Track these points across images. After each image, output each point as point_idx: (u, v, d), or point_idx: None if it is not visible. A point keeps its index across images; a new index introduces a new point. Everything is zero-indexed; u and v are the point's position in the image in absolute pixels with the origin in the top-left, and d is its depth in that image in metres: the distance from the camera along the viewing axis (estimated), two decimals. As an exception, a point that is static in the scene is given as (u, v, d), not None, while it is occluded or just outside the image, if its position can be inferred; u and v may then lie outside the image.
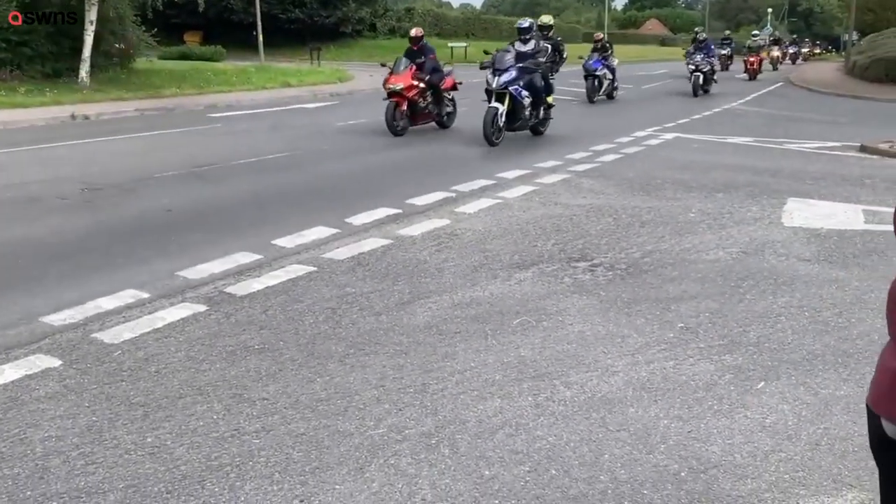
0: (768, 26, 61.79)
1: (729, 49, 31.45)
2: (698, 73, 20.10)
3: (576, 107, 17.49)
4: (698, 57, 20.22)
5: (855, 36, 38.18)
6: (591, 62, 18.46)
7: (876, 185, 8.45)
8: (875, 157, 10.65)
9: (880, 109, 18.58)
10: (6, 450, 2.96)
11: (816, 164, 9.86)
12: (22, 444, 3.00)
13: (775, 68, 36.03)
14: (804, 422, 3.22)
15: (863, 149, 11.08)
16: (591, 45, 19.87)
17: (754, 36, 31.11)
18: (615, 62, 19.39)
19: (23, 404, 3.32)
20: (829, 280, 5.10)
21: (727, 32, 36.96)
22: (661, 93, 21.92)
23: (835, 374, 3.68)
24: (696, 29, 26.12)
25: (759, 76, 28.70)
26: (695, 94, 19.98)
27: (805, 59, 52.75)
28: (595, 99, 18.33)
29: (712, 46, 21.81)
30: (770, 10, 74.05)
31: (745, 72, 28.66)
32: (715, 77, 21.36)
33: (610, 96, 19.16)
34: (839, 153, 11.02)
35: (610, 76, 18.91)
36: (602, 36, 20.31)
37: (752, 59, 28.91)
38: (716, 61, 22.19)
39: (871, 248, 5.86)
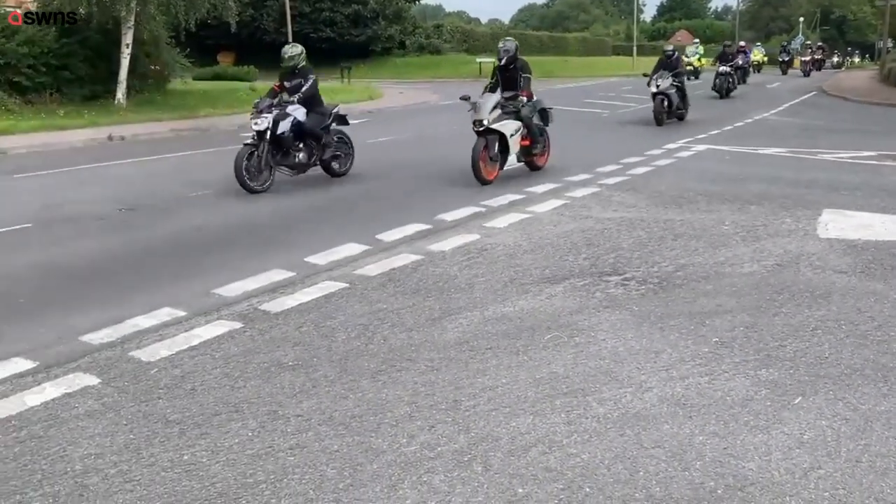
0: (800, 35, 61.12)
1: None
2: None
3: (604, 119, 17.45)
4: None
5: (890, 43, 37.61)
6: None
7: (914, 195, 8.29)
8: (913, 166, 10.46)
9: (918, 117, 18.26)
10: (47, 467, 3.02)
11: (852, 175, 9.71)
12: (62, 461, 3.06)
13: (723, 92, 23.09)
14: (844, 438, 3.16)
15: (900, 158, 10.89)
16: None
17: None
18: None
19: (63, 422, 3.38)
20: (866, 292, 5.01)
21: None
22: (693, 104, 21.76)
23: (874, 388, 3.60)
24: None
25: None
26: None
27: (807, 73, 39.49)
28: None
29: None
30: (802, 18, 73.32)
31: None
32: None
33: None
34: (875, 163, 10.83)
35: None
36: None
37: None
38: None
39: (910, 260, 5.75)
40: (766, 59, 42.56)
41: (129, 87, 18.36)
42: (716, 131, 14.60)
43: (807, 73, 39.54)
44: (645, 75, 16.51)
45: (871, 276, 5.36)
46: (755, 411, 3.40)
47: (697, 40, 36.30)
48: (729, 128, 15.32)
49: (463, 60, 45.46)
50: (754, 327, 4.40)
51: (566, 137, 14.09)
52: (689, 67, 30.82)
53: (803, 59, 41.56)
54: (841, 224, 6.90)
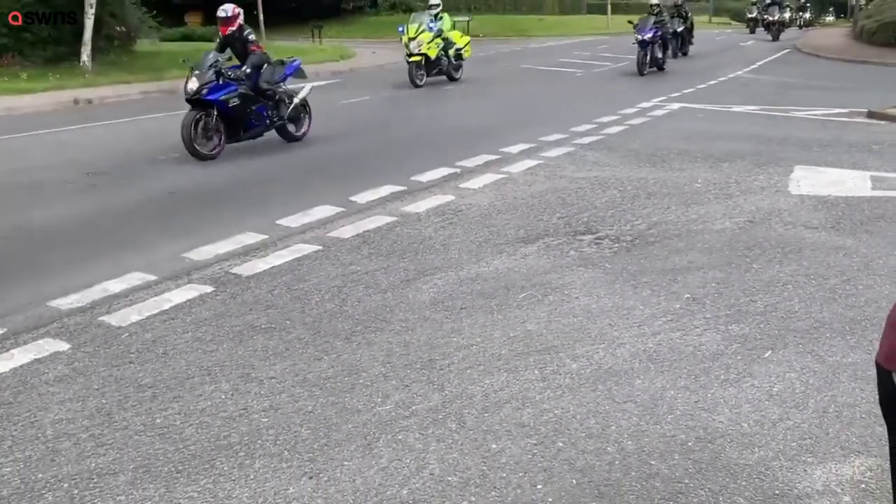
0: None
1: None
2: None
3: (579, 79, 17.36)
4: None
5: (863, 0, 37.58)
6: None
7: (884, 151, 8.36)
8: (883, 122, 10.51)
9: (888, 74, 18.32)
10: (17, 433, 2.99)
11: (823, 132, 9.77)
12: (33, 426, 3.03)
13: None
14: (811, 390, 3.22)
15: (870, 114, 10.95)
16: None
17: None
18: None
19: (32, 388, 3.34)
20: (836, 247, 5.07)
21: None
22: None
23: (842, 341, 3.66)
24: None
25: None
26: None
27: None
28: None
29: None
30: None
31: None
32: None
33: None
34: (846, 119, 10.89)
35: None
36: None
37: None
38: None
39: (878, 215, 5.81)
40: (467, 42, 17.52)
41: (94, 50, 17.85)
42: (689, 90, 14.58)
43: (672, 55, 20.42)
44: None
45: (840, 232, 5.42)
46: (726, 365, 3.44)
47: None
48: (703, 86, 15.31)
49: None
50: (725, 283, 4.44)
51: (541, 97, 14.02)
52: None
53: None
54: (812, 180, 6.96)
